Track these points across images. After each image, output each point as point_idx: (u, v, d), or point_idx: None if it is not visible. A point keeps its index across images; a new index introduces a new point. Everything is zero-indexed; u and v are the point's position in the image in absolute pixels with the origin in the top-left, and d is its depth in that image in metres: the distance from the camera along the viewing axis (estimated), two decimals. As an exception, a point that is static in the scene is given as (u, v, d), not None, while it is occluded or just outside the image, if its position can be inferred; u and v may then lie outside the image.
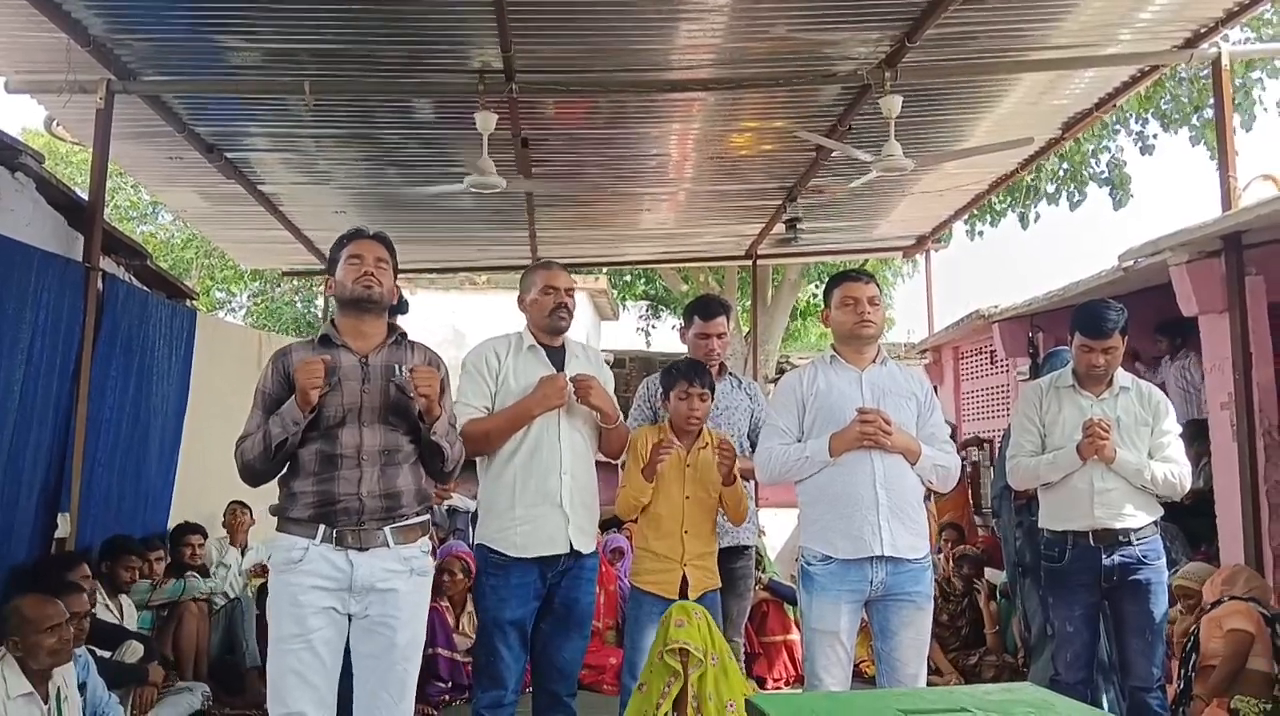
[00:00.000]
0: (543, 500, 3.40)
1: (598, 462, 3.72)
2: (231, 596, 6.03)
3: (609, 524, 7.46)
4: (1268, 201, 4.80)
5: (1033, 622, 5.07)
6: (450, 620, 5.90)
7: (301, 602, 2.83)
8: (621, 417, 3.65)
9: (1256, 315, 5.21)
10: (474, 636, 5.65)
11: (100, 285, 5.32)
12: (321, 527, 2.86)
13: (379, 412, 2.94)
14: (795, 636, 6.09)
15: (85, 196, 5.56)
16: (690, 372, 3.74)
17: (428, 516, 3.09)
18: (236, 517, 6.61)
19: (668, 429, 3.75)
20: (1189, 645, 4.54)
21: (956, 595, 6.38)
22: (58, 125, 6.51)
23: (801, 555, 3.44)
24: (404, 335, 3.12)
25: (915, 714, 1.37)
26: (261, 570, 6.36)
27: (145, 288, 6.77)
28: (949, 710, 1.39)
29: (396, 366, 2.97)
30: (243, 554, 6.56)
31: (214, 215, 8.41)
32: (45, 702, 3.53)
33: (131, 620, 5.13)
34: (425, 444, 2.99)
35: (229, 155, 6.78)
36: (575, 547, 3.42)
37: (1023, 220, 12.02)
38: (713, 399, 3.81)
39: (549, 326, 3.56)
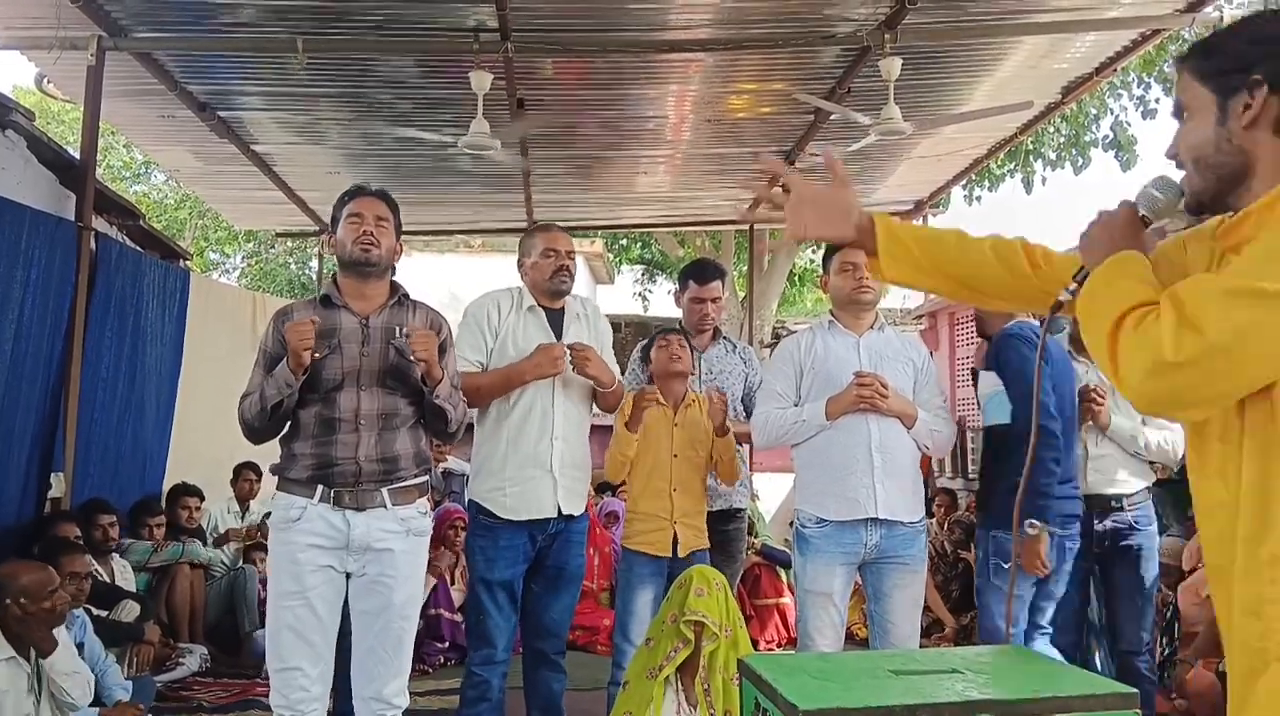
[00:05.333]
0: (533, 463, 3.41)
1: (593, 427, 3.73)
2: (229, 565, 6.06)
3: (604, 487, 7.49)
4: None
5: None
6: (448, 577, 5.94)
7: (299, 560, 2.87)
8: (619, 378, 3.66)
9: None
10: (465, 589, 5.76)
11: (93, 245, 5.29)
12: (319, 488, 2.89)
13: (378, 376, 2.95)
14: (787, 599, 6.14)
15: (77, 155, 5.52)
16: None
17: (426, 478, 3.10)
18: (248, 482, 6.65)
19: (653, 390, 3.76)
20: (1169, 613, 4.57)
21: (949, 559, 6.43)
22: (49, 83, 6.44)
23: (796, 517, 3.46)
24: (406, 296, 3.12)
25: (906, 674, 1.38)
26: (253, 532, 6.39)
27: (138, 248, 6.74)
28: (940, 671, 1.39)
29: (397, 328, 2.98)
30: (243, 518, 6.60)
31: (207, 175, 8.34)
32: (29, 664, 3.54)
33: (128, 581, 5.16)
34: (427, 406, 3.01)
35: (222, 114, 6.71)
36: (564, 511, 3.44)
37: (1027, 184, 11.95)
38: (690, 349, 3.85)
39: (550, 289, 3.55)
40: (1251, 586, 1.38)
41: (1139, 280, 1.46)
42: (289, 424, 2.99)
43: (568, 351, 3.43)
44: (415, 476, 3.04)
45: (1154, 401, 1.41)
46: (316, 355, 2.86)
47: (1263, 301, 1.30)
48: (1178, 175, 1.60)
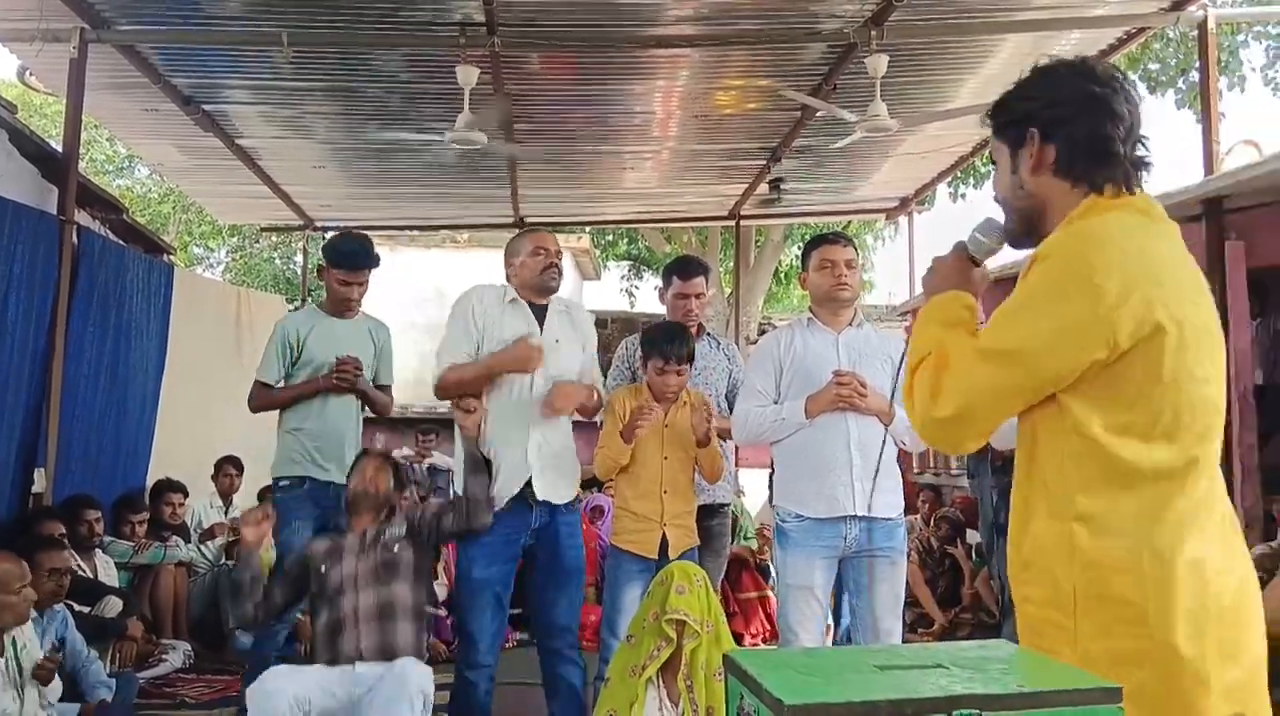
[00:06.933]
0: (513, 453, 3.44)
1: (578, 422, 3.74)
2: (211, 561, 6.03)
3: (590, 483, 7.49)
4: (1248, 167, 4.82)
5: (1006, 582, 5.14)
6: (432, 573, 5.95)
7: None
8: (599, 392, 3.68)
9: (1235, 280, 5.24)
10: (449, 584, 5.81)
11: (75, 239, 5.26)
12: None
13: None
14: (770, 593, 6.18)
15: (60, 148, 5.48)
16: (667, 347, 3.67)
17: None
18: (229, 477, 6.63)
19: (646, 392, 3.75)
20: None
21: (935, 555, 6.47)
22: (30, 75, 6.39)
23: (776, 513, 3.48)
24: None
25: (891, 669, 1.38)
26: (236, 526, 6.37)
27: (122, 242, 6.71)
28: (924, 665, 1.40)
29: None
30: (226, 513, 6.58)
31: (191, 169, 8.30)
32: (2, 655, 3.52)
33: (110, 577, 5.13)
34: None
35: (206, 108, 6.67)
36: (543, 499, 3.46)
37: (1013, 182, 11.97)
38: (691, 365, 3.79)
39: (540, 285, 3.56)
40: (1016, 587, 1.66)
41: (943, 325, 1.72)
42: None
43: (546, 359, 3.46)
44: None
45: (931, 442, 1.73)
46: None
47: (999, 360, 1.57)
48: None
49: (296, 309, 4.16)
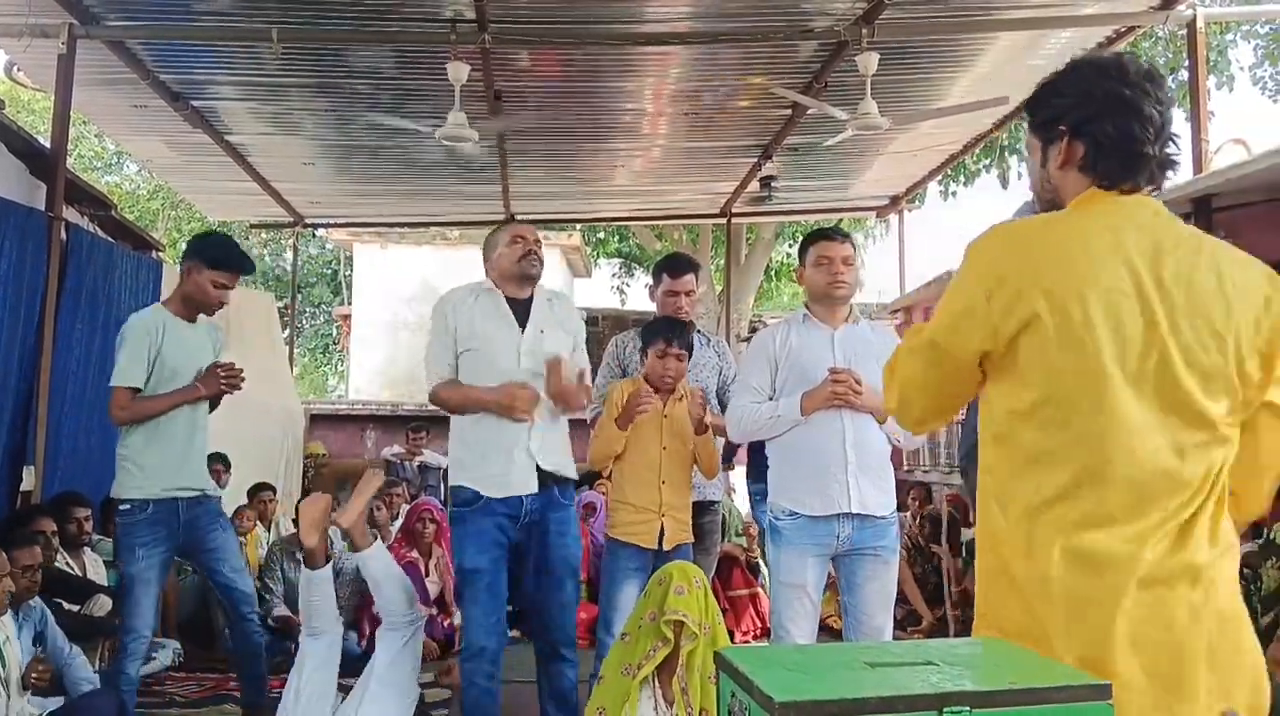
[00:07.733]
0: (514, 444, 3.42)
1: (571, 421, 3.73)
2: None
3: (582, 480, 7.48)
4: (1236, 165, 4.83)
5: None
6: (421, 569, 5.96)
7: None
8: (588, 381, 3.62)
9: (1224, 277, 5.26)
10: (441, 581, 5.81)
11: (64, 235, 5.23)
12: None
13: None
14: (760, 590, 6.18)
15: (48, 144, 5.45)
16: (670, 331, 3.73)
17: None
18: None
19: (643, 383, 3.75)
20: None
21: (924, 552, 6.48)
22: (18, 71, 6.37)
23: (770, 510, 3.47)
24: None
25: (882, 666, 1.38)
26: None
27: (110, 239, 6.67)
28: (915, 662, 1.40)
29: None
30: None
31: (181, 165, 8.27)
32: None
33: (100, 575, 5.10)
34: None
35: (195, 104, 6.65)
36: (545, 486, 3.45)
37: (1003, 180, 12.00)
38: (690, 358, 3.82)
39: (519, 273, 3.51)
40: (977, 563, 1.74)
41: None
42: None
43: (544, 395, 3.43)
44: None
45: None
46: None
47: (916, 350, 1.71)
48: None
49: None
